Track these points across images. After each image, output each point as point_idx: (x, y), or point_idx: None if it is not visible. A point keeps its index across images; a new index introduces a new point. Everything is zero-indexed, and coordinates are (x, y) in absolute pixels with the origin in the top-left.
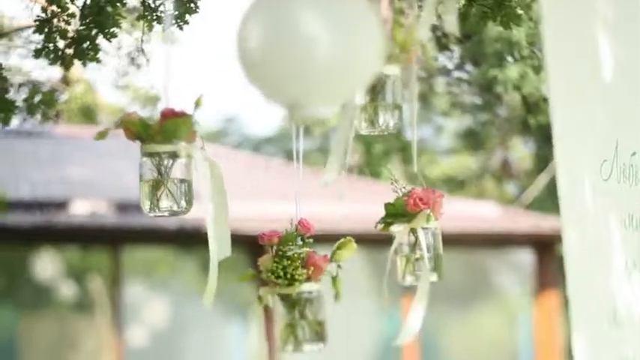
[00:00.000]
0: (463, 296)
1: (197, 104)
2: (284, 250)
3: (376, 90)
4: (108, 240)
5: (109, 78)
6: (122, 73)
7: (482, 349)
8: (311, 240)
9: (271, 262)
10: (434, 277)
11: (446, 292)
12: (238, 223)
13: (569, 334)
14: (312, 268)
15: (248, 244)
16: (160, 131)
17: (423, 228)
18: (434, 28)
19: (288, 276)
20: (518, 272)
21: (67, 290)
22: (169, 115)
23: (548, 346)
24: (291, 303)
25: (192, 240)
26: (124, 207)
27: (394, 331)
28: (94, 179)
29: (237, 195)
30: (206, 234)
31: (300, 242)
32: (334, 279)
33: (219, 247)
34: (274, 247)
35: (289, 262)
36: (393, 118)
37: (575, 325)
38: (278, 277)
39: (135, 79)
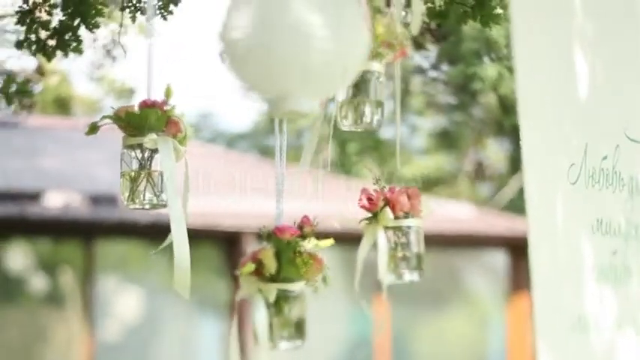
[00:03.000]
0: (436, 298)
1: (167, 94)
2: (301, 247)
3: (359, 86)
4: (81, 233)
5: (84, 69)
6: (97, 65)
7: (453, 352)
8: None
9: (274, 258)
10: (415, 276)
11: (418, 293)
12: (213, 218)
13: None
14: (320, 265)
15: (223, 240)
16: (132, 123)
17: (397, 227)
18: (407, 27)
19: (306, 272)
20: (492, 274)
21: (38, 283)
22: (145, 107)
23: (519, 350)
24: (278, 299)
25: (165, 234)
26: (97, 200)
27: (366, 330)
28: (67, 171)
29: (212, 190)
30: None
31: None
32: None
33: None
34: (282, 243)
35: (308, 258)
36: (377, 115)
37: (540, 331)
38: (295, 272)
39: (110, 71)
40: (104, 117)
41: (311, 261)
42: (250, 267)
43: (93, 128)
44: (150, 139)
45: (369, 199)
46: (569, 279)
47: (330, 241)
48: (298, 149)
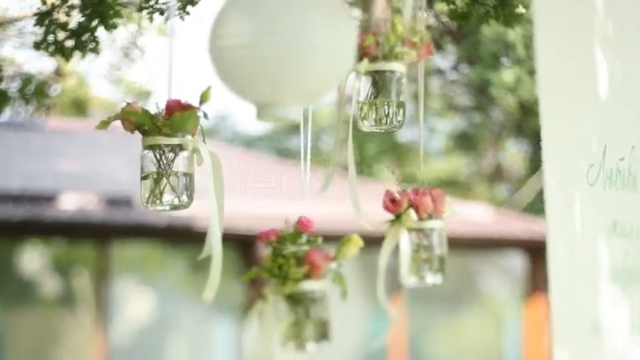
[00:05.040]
0: (453, 299)
1: (204, 97)
2: (280, 249)
3: (380, 86)
4: (96, 235)
5: (102, 71)
6: (116, 67)
7: (469, 353)
8: (318, 239)
9: (269, 261)
10: (437, 279)
11: (435, 296)
12: (229, 221)
13: None
14: (307, 266)
15: (239, 243)
16: (167, 124)
17: (419, 229)
18: (429, 29)
19: (283, 274)
20: (509, 276)
21: (53, 285)
22: (176, 107)
23: (535, 352)
24: (295, 302)
25: (181, 237)
26: (113, 202)
27: (382, 330)
28: (84, 173)
29: (229, 192)
30: (195, 231)
31: (305, 241)
32: (338, 277)
33: (212, 244)
34: (273, 246)
35: (284, 260)
36: (398, 116)
37: (557, 334)
38: (274, 275)
39: (128, 73)
40: (121, 113)
41: (290, 262)
42: (254, 272)
43: (104, 124)
44: (190, 141)
45: (393, 201)
46: (586, 282)
47: (355, 245)
48: (315, 150)
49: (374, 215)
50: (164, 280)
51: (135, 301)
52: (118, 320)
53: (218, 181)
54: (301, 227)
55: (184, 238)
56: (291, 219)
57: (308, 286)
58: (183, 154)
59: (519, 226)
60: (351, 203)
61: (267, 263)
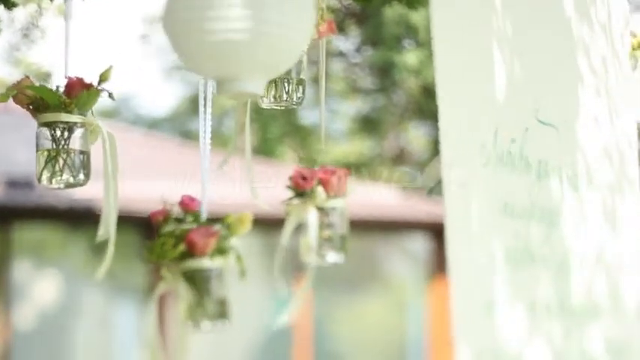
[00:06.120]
0: (358, 282)
1: (104, 77)
2: (162, 228)
3: None
4: None
5: (1, 52)
6: (15, 48)
7: (373, 335)
8: (201, 217)
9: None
10: (339, 258)
11: (340, 278)
12: (133, 203)
13: None
14: (185, 245)
15: (142, 226)
16: (73, 101)
17: (321, 208)
18: (332, 11)
19: (163, 253)
20: (414, 259)
21: None
22: (79, 85)
23: (440, 332)
24: (190, 281)
25: (82, 219)
26: (13, 184)
27: (284, 314)
28: None
29: (131, 174)
30: (96, 213)
31: (191, 220)
32: (234, 255)
33: (108, 225)
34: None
35: (164, 239)
36: (297, 93)
37: (456, 316)
38: (157, 255)
39: (27, 54)
40: (17, 85)
41: (168, 240)
42: (149, 256)
43: (3, 96)
44: (93, 120)
45: (304, 178)
46: (481, 263)
47: (243, 222)
48: (217, 133)
49: (274, 197)
50: (66, 262)
51: (37, 285)
52: (20, 304)
53: (113, 160)
54: (183, 206)
55: (86, 220)
56: (173, 199)
57: (192, 264)
58: (78, 132)
59: (423, 208)
60: (248, 185)
61: (151, 243)
